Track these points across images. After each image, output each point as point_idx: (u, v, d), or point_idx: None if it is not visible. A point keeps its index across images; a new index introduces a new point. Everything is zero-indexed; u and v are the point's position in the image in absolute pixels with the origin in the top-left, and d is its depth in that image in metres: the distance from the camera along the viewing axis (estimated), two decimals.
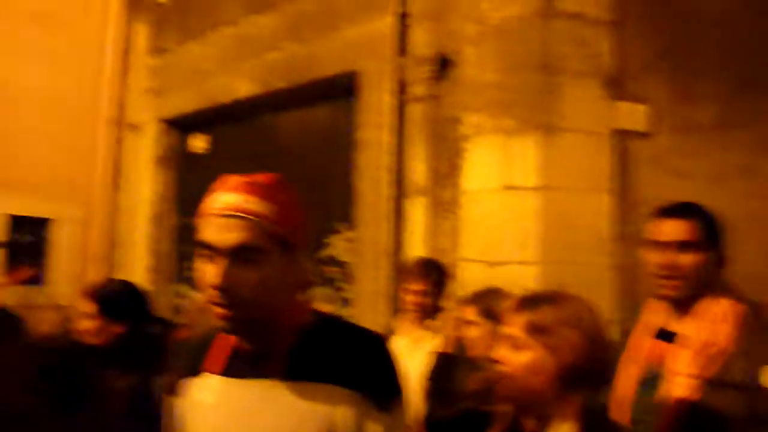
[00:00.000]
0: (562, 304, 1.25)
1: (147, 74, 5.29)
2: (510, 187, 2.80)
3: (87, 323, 1.92)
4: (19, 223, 4.88)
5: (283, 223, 1.06)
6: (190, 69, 4.88)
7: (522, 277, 2.65)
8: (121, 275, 5.11)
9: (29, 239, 4.91)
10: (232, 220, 1.03)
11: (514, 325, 1.25)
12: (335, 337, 1.11)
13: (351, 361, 1.07)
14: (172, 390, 1.16)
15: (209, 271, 1.03)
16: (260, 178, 1.09)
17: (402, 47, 3.50)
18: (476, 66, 3.04)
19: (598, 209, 2.79)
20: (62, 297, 5.08)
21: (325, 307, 3.76)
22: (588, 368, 1.20)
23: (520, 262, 2.72)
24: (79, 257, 5.21)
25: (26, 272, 4.52)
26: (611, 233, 2.78)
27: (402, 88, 3.46)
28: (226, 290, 1.01)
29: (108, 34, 5.50)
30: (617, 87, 2.88)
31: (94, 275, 5.15)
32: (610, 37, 2.88)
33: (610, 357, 1.25)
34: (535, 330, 1.21)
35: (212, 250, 1.03)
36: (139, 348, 1.83)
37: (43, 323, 4.69)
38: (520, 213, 2.75)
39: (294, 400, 1.05)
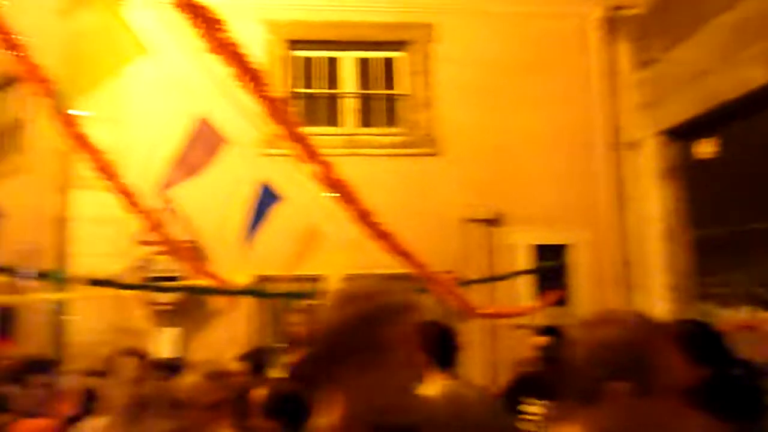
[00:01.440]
0: None
1: (636, 90, 5.24)
2: None
3: None
4: (542, 251, 5.49)
5: None
6: (684, 73, 4.59)
7: None
8: (637, 295, 5.11)
9: (552, 265, 5.43)
10: None
11: None
12: None
13: None
14: None
15: None
16: None
17: None
18: None
19: None
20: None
21: None
22: None
23: None
24: (596, 278, 5.45)
25: (554, 295, 4.97)
26: None
27: None
28: None
29: (590, 63, 5.69)
30: None
31: (612, 296, 5.30)
32: None
33: None
34: None
35: None
36: (725, 394, 1.66)
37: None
38: None
39: None
